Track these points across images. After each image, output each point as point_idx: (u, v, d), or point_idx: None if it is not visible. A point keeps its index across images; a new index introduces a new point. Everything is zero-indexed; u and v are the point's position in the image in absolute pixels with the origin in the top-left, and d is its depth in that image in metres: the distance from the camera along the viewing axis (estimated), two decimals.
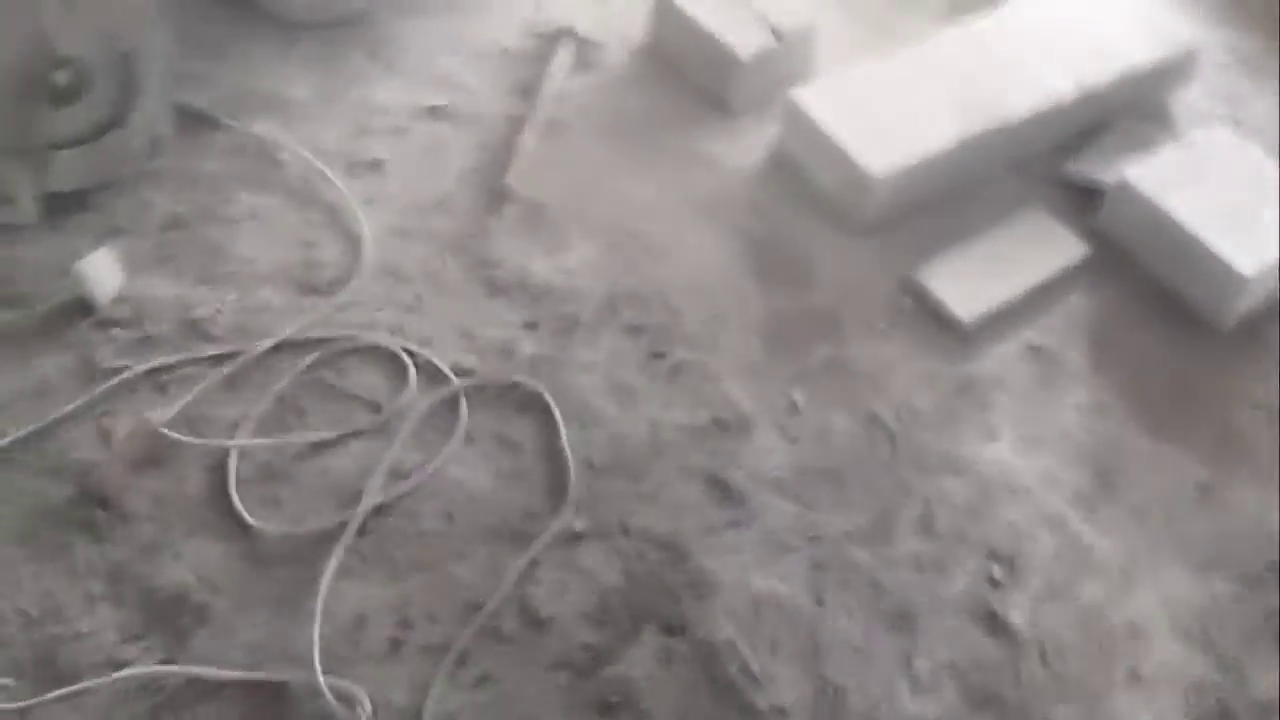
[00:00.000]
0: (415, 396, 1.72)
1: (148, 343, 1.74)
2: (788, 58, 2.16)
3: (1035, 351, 1.88)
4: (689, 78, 2.20)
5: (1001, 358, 1.87)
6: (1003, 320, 1.91)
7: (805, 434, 1.74)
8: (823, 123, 1.98)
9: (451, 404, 1.72)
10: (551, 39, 2.24)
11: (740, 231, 2.00)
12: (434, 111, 2.12)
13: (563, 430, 1.69)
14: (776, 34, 2.14)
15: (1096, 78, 2.08)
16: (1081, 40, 2.14)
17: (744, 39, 2.12)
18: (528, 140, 2.05)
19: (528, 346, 1.80)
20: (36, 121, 1.72)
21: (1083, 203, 2.05)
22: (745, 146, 2.12)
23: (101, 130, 1.80)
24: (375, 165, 2.02)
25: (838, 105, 2.01)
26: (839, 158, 1.95)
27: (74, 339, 1.74)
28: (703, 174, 2.07)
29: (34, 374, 1.70)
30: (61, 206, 1.84)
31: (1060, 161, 2.10)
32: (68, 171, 1.80)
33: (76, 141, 1.78)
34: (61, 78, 1.72)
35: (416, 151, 2.06)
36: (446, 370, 1.75)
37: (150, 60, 1.80)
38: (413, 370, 1.74)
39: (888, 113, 2.00)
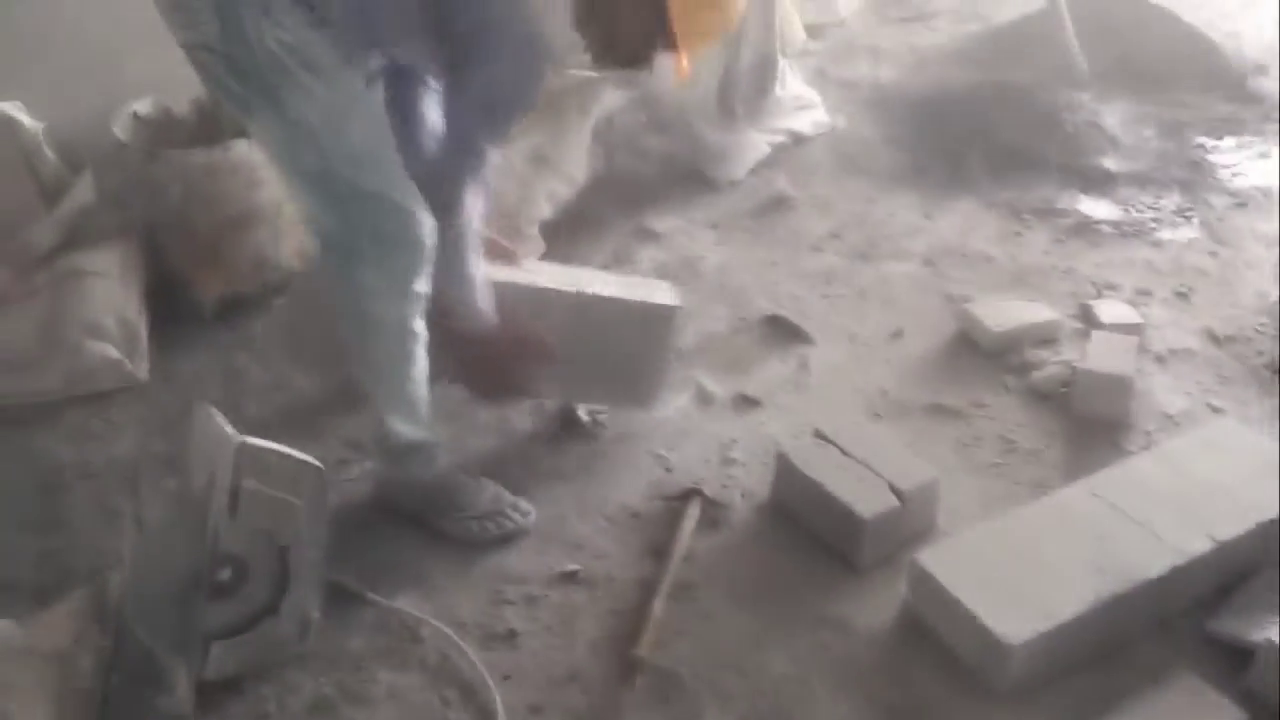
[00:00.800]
0: None
1: None
2: (910, 515, 2.20)
3: None
4: (814, 535, 2.25)
5: None
6: None
7: None
8: (951, 587, 1.98)
9: None
10: (680, 501, 2.33)
11: (876, 701, 1.95)
12: (567, 578, 2.19)
13: None
14: (897, 492, 2.19)
15: (1230, 531, 2.06)
16: (1210, 493, 2.14)
17: (865, 498, 2.18)
18: (658, 607, 2.09)
19: None
20: (197, 616, 1.82)
21: (1232, 662, 1.97)
22: (874, 607, 2.11)
23: (255, 620, 1.90)
24: (509, 636, 2.07)
25: (965, 567, 2.01)
26: (971, 623, 1.93)
27: None
28: (833, 637, 2.06)
29: None
30: (213, 692, 1.92)
31: (1203, 618, 2.04)
32: (223, 661, 1.88)
33: (232, 632, 1.88)
34: (222, 574, 1.84)
35: (550, 620, 2.11)
36: None
37: (305, 551, 1.92)
38: None
39: (1018, 574, 2.00)
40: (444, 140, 2.01)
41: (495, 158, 2.05)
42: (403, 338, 2.13)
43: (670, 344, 2.52)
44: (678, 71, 2.13)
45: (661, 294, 2.50)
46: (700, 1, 1.99)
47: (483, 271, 2.17)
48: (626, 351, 2.47)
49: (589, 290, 2.42)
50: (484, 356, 2.18)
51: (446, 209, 2.05)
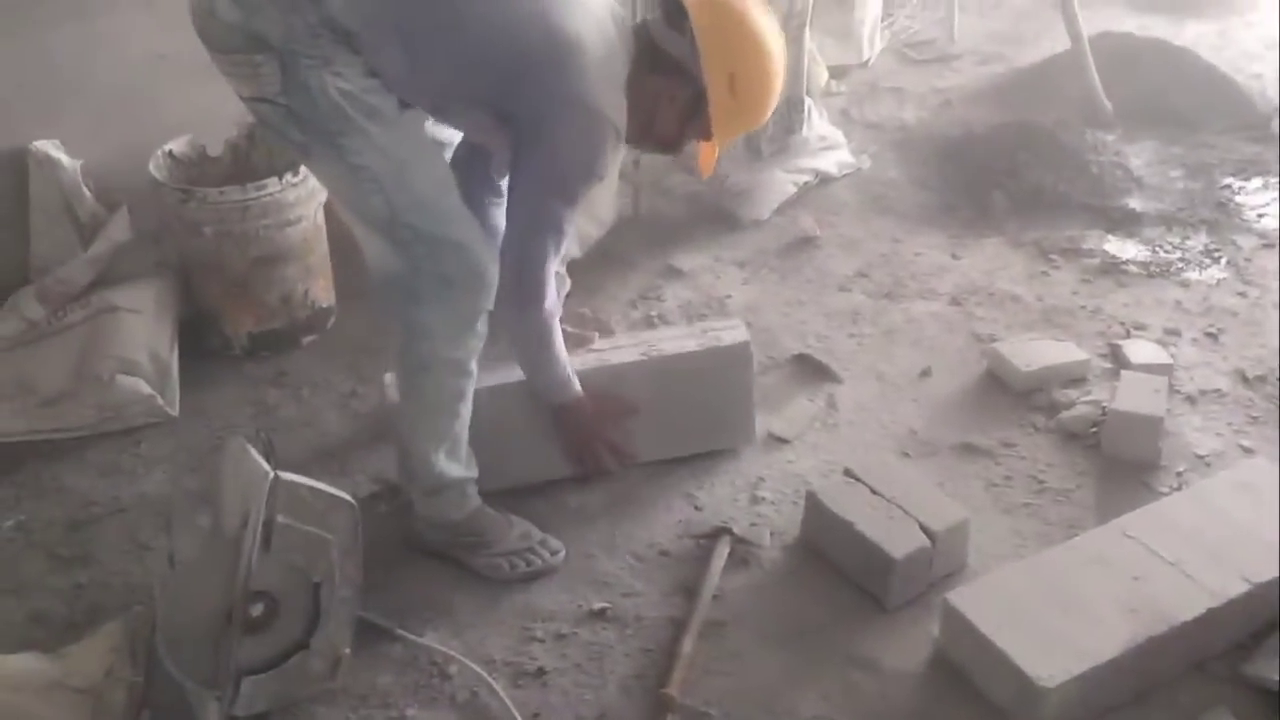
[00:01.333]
0: None
1: None
2: (941, 554, 2.19)
3: None
4: (843, 574, 2.24)
5: None
6: None
7: None
8: (984, 627, 1.97)
9: None
10: (709, 540, 2.32)
11: None
12: (596, 615, 2.18)
13: None
14: (928, 531, 2.18)
15: (1265, 573, 2.04)
16: (1243, 534, 2.12)
17: (895, 537, 2.17)
18: (687, 645, 2.08)
19: None
20: (229, 652, 1.82)
21: (1269, 705, 1.94)
22: (905, 647, 2.10)
23: (287, 655, 1.90)
24: (539, 674, 2.06)
25: (998, 607, 2.00)
26: (1004, 665, 1.91)
27: None
28: (863, 677, 2.04)
29: None
30: None
31: (1237, 661, 2.02)
32: (254, 697, 1.87)
33: (263, 668, 1.88)
34: (255, 610, 1.84)
35: (579, 658, 2.10)
36: None
37: (337, 587, 1.92)
38: None
39: (1051, 615, 1.98)
40: (520, 220, 2.10)
41: (572, 233, 2.12)
42: (458, 377, 2.15)
43: (750, 377, 2.56)
44: (703, 165, 2.23)
45: (729, 332, 2.54)
46: (740, 107, 2.10)
47: (566, 354, 2.28)
48: (712, 396, 2.52)
49: (659, 352, 2.48)
50: (578, 433, 2.37)
51: (534, 294, 2.13)
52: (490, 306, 2.10)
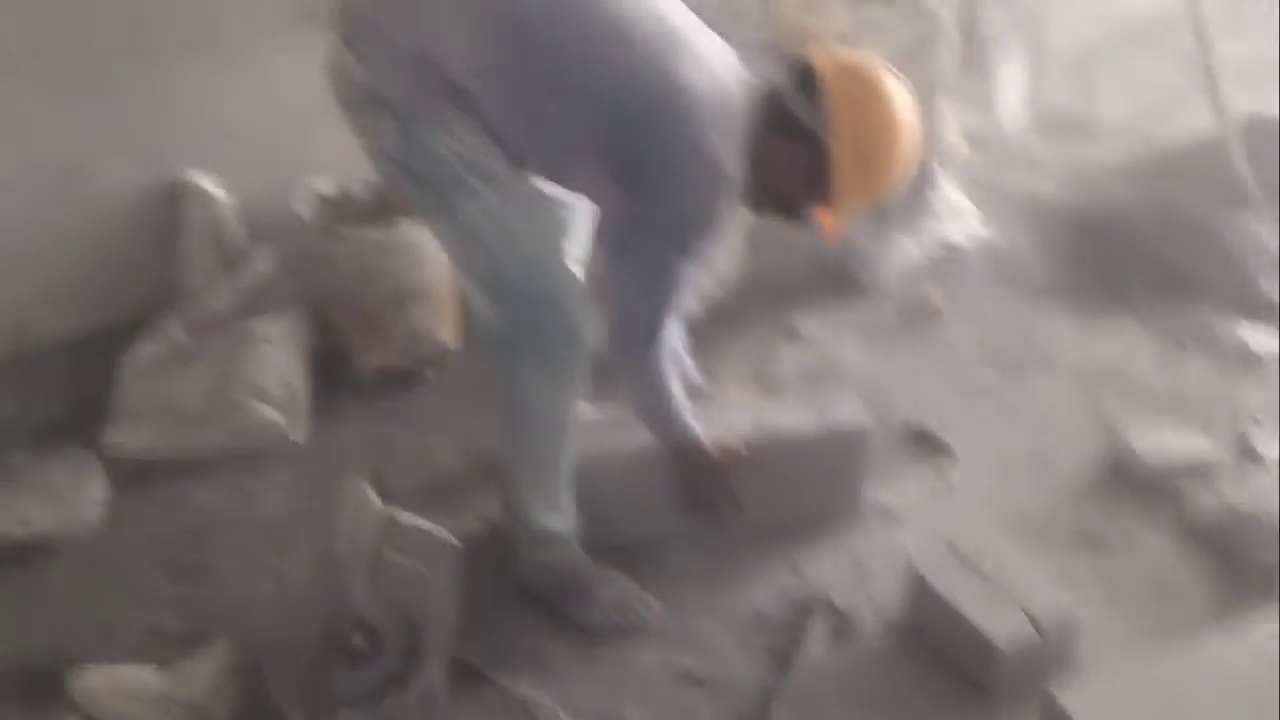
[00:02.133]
0: None
1: None
2: (1048, 650, 2.13)
3: None
4: (945, 659, 2.19)
5: None
6: None
7: None
8: None
9: None
10: (807, 608, 2.30)
11: None
12: (687, 676, 2.18)
13: None
14: (1036, 625, 2.12)
15: None
16: None
17: (1003, 627, 2.11)
18: (777, 715, 2.06)
19: None
20: (330, 683, 1.88)
21: None
22: None
23: (383, 691, 1.94)
24: None
25: (1103, 711, 1.93)
26: None
27: None
28: None
29: None
30: None
31: None
32: None
33: (360, 701, 1.92)
34: (358, 643, 1.89)
35: (667, 717, 2.10)
36: None
37: (436, 625, 1.96)
38: None
39: None
40: (629, 273, 2.09)
41: (691, 292, 2.12)
42: (556, 431, 2.19)
43: (865, 461, 2.56)
44: (828, 234, 2.17)
45: (847, 410, 2.54)
46: (866, 180, 2.05)
47: (685, 402, 2.27)
48: (824, 474, 2.53)
49: (773, 428, 2.47)
50: (696, 480, 2.33)
51: (644, 349, 2.13)
52: (586, 366, 2.13)
